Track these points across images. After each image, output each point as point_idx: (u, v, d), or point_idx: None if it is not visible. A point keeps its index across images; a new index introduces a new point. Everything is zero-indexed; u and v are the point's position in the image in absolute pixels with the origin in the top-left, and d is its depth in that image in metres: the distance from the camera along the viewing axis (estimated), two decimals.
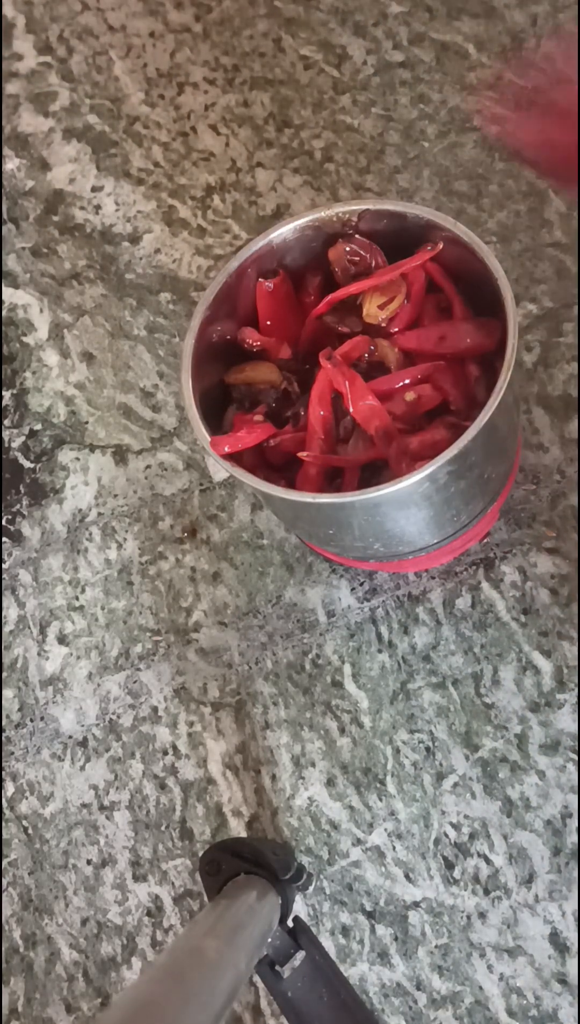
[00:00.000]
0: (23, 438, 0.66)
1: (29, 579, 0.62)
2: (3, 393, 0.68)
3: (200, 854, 0.51)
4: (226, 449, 0.43)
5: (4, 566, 0.62)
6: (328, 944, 0.49)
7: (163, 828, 0.54)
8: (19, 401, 0.67)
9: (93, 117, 0.74)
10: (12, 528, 0.63)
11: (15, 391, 0.67)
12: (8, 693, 0.59)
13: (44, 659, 0.60)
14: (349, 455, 0.44)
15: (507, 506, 0.54)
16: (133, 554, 0.60)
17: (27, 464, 0.65)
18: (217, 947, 0.38)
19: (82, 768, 0.57)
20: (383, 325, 0.45)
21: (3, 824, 0.57)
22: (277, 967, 0.46)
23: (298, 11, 0.73)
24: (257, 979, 0.49)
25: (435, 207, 0.51)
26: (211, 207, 0.69)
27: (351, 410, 0.43)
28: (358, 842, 0.51)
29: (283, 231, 0.46)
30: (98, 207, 0.71)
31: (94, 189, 0.72)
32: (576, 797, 0.48)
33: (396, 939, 0.49)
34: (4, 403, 0.67)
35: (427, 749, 0.51)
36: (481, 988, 0.47)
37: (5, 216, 0.73)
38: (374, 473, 0.43)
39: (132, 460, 0.63)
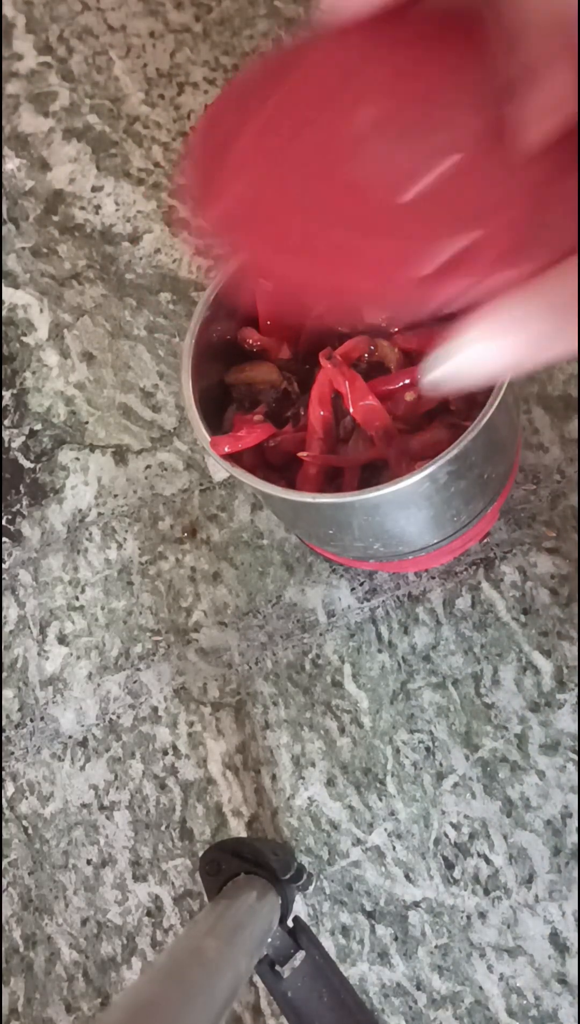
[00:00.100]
0: (23, 438, 0.66)
1: (29, 579, 0.62)
2: (3, 393, 0.68)
3: (200, 854, 0.51)
4: (226, 449, 0.43)
5: (4, 566, 0.62)
6: (328, 944, 0.49)
7: (163, 828, 0.54)
8: (19, 401, 0.67)
9: (93, 117, 0.74)
10: (12, 528, 0.63)
11: (15, 391, 0.67)
12: (8, 693, 0.59)
13: (44, 659, 0.60)
14: (349, 455, 0.44)
15: (507, 506, 0.54)
16: (133, 554, 0.60)
17: (27, 464, 0.65)
18: (217, 947, 0.38)
19: (82, 768, 0.57)
20: (383, 325, 0.45)
21: (3, 824, 0.57)
22: (277, 967, 0.46)
23: (298, 11, 0.73)
24: (257, 979, 0.49)
25: None
26: None
27: (351, 410, 0.43)
28: (358, 842, 0.51)
29: None
30: (98, 207, 0.71)
31: (94, 189, 0.72)
32: (576, 797, 0.48)
33: (396, 939, 0.49)
34: (4, 403, 0.67)
35: (427, 749, 0.51)
36: (481, 988, 0.47)
37: (5, 216, 0.73)
38: (374, 473, 0.43)
39: (132, 460, 0.63)
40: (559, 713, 0.50)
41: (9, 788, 0.57)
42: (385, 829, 0.50)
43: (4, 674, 0.60)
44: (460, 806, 0.50)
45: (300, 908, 0.50)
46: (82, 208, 0.72)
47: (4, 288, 0.71)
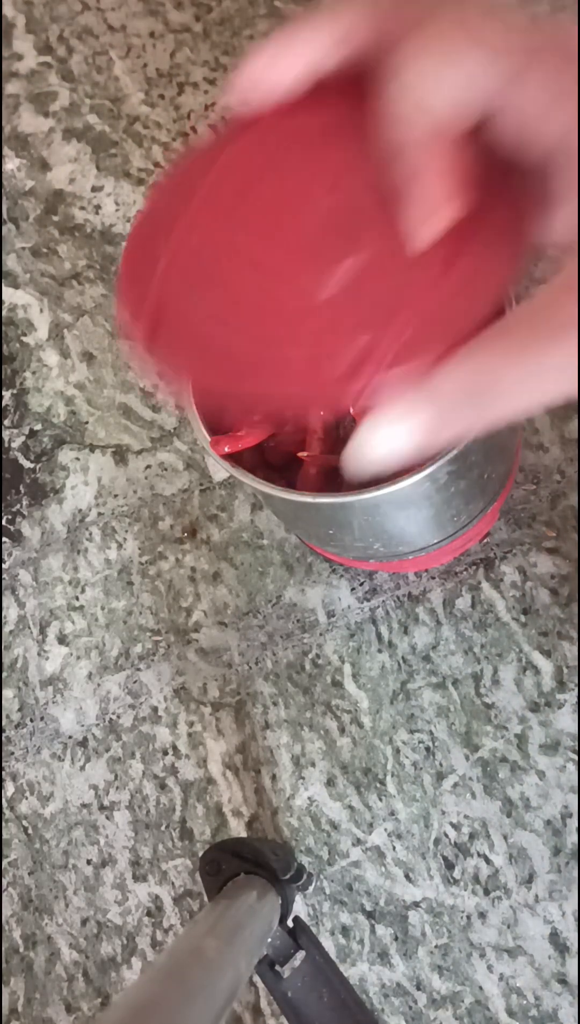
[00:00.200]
0: (23, 438, 0.66)
1: (29, 579, 0.62)
2: (3, 393, 0.68)
3: (200, 854, 0.51)
4: (226, 449, 0.43)
5: (4, 566, 0.62)
6: (328, 944, 0.49)
7: (163, 828, 0.54)
8: (19, 401, 0.67)
9: (93, 117, 0.74)
10: (12, 528, 0.63)
11: (15, 391, 0.67)
12: (8, 693, 0.59)
13: (44, 659, 0.60)
14: None
15: (507, 506, 0.54)
16: (133, 554, 0.60)
17: (27, 464, 0.65)
18: (217, 947, 0.38)
19: (82, 768, 0.57)
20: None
21: (3, 824, 0.57)
22: (277, 967, 0.46)
23: (298, 11, 0.73)
24: (257, 979, 0.49)
25: None
26: None
27: (351, 410, 0.43)
28: (358, 842, 0.51)
29: None
30: (98, 207, 0.71)
31: (94, 189, 0.72)
32: (576, 797, 0.48)
33: (396, 939, 0.49)
34: (4, 403, 0.67)
35: (427, 749, 0.51)
36: (481, 988, 0.47)
37: (5, 216, 0.73)
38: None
39: (132, 460, 0.63)
40: (559, 713, 0.50)
41: (9, 788, 0.57)
42: (385, 829, 0.50)
43: (4, 674, 0.60)
44: (460, 806, 0.50)
45: (300, 908, 0.50)
46: (82, 208, 0.72)
47: (4, 288, 0.71)
